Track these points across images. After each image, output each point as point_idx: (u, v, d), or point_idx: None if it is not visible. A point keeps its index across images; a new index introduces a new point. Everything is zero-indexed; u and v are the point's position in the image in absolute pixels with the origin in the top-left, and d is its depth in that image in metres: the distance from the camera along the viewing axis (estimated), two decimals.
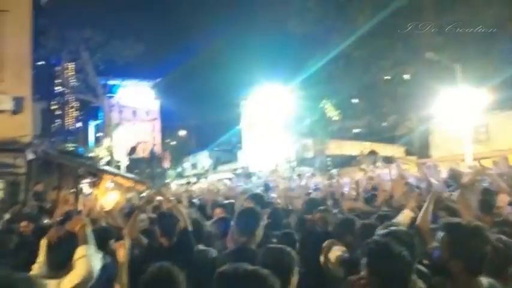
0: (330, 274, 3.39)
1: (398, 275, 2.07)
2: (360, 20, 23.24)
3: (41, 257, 2.80)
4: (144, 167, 27.76)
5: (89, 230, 2.78)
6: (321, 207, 4.29)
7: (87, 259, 2.57)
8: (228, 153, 44.16)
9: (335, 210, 4.76)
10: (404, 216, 3.61)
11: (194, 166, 47.33)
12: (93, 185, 13.39)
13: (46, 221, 5.15)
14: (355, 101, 28.55)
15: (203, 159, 46.46)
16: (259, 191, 7.55)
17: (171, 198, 4.60)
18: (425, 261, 2.57)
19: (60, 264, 2.66)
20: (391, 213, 3.96)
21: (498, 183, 4.82)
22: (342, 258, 3.28)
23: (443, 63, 19.04)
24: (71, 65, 23.84)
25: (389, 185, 5.70)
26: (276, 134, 32.60)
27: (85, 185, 14.31)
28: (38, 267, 2.79)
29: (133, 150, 26.81)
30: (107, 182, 13.76)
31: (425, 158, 22.09)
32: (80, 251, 2.61)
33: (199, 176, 36.32)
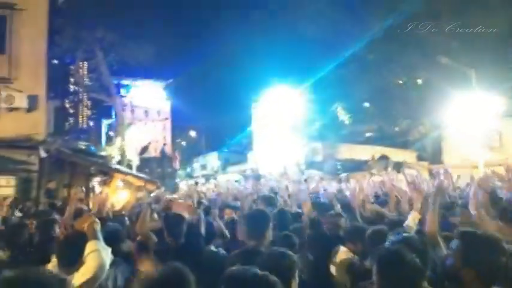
0: (334, 280, 3.36)
1: (409, 282, 2.05)
2: (373, 24, 23.12)
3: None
4: (155, 167, 27.95)
5: (98, 226, 2.80)
6: (333, 212, 4.26)
7: (98, 253, 2.59)
8: (237, 155, 44.15)
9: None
10: (412, 219, 3.59)
11: (203, 167, 47.42)
12: (104, 183, 13.52)
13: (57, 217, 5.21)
14: (366, 104, 28.38)
15: (212, 160, 46.54)
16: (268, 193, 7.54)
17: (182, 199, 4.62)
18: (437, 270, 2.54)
19: (71, 262, 2.69)
20: (402, 219, 3.92)
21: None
22: (349, 263, 3.25)
23: (457, 68, 18.82)
24: (85, 64, 24.09)
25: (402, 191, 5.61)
26: (286, 136, 32.54)
27: (96, 184, 14.45)
28: (52, 266, 2.82)
29: (144, 149, 26.99)
30: (118, 181, 13.88)
31: (438, 164, 21.82)
32: (89, 246, 2.64)
33: (208, 177, 36.41)
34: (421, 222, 3.32)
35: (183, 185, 22.43)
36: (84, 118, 24.97)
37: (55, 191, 12.44)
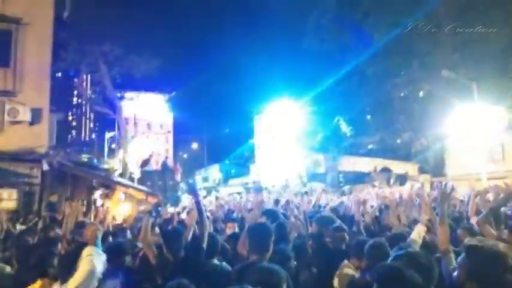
0: None
1: None
2: (375, 37, 23.30)
3: None
4: (157, 180, 27.89)
5: (99, 234, 2.91)
6: (337, 225, 4.23)
7: (90, 258, 2.69)
8: (239, 167, 44.15)
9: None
10: (417, 232, 3.57)
11: (205, 179, 47.38)
12: (106, 196, 13.48)
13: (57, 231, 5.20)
14: (368, 117, 28.42)
15: (214, 172, 46.51)
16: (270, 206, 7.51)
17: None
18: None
19: (70, 274, 2.72)
20: (404, 233, 3.89)
21: None
22: (349, 280, 3.22)
23: (459, 81, 18.87)
24: (89, 77, 24.27)
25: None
26: (288, 148, 32.54)
27: (98, 196, 14.41)
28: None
29: (145, 162, 26.96)
30: (120, 194, 13.84)
31: (440, 177, 21.73)
32: (86, 251, 2.74)
33: (210, 189, 36.33)
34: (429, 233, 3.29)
35: (185, 198, 22.34)
36: (87, 131, 25.04)
37: (57, 204, 12.40)
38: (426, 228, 3.65)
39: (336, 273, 3.41)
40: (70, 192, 13.15)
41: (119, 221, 6.75)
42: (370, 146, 32.35)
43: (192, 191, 4.55)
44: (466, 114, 18.07)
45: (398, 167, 27.42)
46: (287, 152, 32.69)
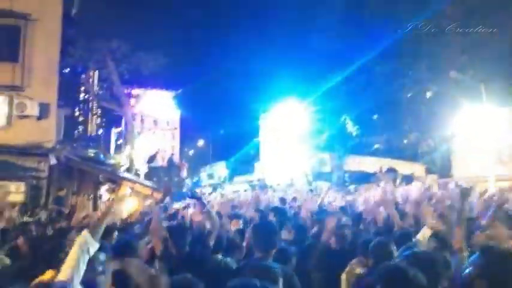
0: None
1: None
2: (382, 36, 23.17)
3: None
4: (162, 176, 28.01)
5: (102, 227, 2.84)
6: (341, 223, 4.23)
7: (78, 245, 2.61)
8: (245, 165, 44.19)
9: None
10: (422, 234, 3.57)
11: (211, 176, 47.50)
12: (112, 191, 13.57)
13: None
14: (375, 116, 28.26)
15: (220, 169, 46.60)
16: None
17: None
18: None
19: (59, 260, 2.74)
20: (411, 232, 3.89)
21: None
22: (355, 279, 3.23)
23: (466, 82, 18.74)
24: (97, 74, 24.39)
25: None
26: (293, 147, 32.49)
27: (104, 191, 14.50)
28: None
29: (152, 158, 27.09)
30: (126, 189, 13.92)
31: (447, 178, 21.60)
32: (79, 237, 2.68)
33: (215, 186, 36.40)
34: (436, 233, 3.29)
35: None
36: (94, 126, 25.18)
37: (64, 198, 12.51)
38: (432, 231, 3.62)
39: (345, 270, 3.43)
40: (77, 187, 13.27)
41: (124, 216, 6.78)
42: (376, 146, 32.17)
43: (198, 199, 4.61)
44: (474, 116, 17.93)
45: (405, 168, 27.28)
46: (292, 150, 32.65)
